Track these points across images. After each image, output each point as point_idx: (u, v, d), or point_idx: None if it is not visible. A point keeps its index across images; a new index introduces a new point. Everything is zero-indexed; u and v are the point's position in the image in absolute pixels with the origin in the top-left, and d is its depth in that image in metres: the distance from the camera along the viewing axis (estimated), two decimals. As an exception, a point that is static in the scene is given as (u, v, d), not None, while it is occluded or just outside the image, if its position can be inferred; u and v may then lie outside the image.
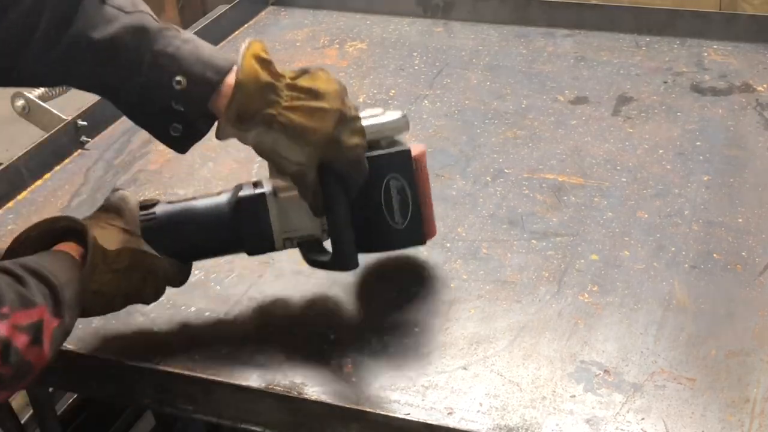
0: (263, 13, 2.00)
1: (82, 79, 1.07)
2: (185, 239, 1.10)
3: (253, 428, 1.07)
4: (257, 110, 1.02)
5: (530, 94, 1.64)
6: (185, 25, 2.63)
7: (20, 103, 1.73)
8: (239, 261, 1.26)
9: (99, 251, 1.00)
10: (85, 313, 1.03)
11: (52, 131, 1.54)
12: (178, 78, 1.02)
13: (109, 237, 1.02)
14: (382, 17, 1.94)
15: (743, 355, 1.07)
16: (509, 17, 1.90)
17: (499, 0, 1.90)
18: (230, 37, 1.89)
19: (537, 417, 1.00)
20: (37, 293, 0.89)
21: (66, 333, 0.95)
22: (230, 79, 1.03)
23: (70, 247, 1.00)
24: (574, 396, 1.03)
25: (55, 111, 1.70)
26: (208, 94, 1.03)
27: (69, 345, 1.13)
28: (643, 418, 0.99)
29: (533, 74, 1.71)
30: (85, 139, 1.56)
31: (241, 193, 1.10)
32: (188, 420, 1.46)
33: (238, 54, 1.03)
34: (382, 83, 1.69)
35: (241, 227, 1.10)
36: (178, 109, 1.04)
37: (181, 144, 1.09)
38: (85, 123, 1.55)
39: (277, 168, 1.09)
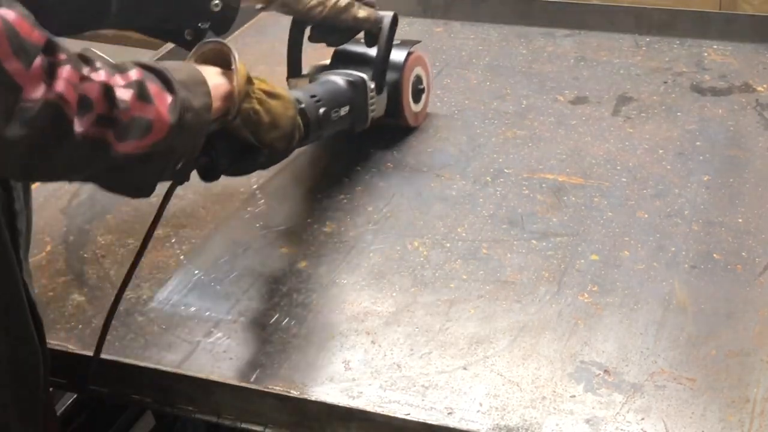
0: (263, 13, 2.00)
1: None
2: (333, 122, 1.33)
3: (253, 428, 1.07)
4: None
5: (530, 94, 1.64)
6: (185, 25, 2.63)
7: None
8: (239, 261, 1.26)
9: (244, 69, 1.06)
10: (262, 138, 1.10)
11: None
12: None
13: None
14: (382, 17, 1.93)
15: (743, 355, 1.07)
16: (509, 17, 1.90)
17: (499, 0, 1.90)
18: (230, 38, 1.89)
19: (537, 417, 1.00)
20: (131, 65, 0.90)
21: (192, 111, 0.93)
22: None
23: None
24: (574, 396, 1.03)
25: None
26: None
27: (69, 345, 1.13)
28: (643, 418, 0.99)
29: (533, 74, 1.71)
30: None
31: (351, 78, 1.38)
32: (188, 420, 1.46)
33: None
34: (382, 83, 1.69)
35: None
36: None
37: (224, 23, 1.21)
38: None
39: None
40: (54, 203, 1.42)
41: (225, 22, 1.22)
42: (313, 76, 1.43)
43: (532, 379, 1.05)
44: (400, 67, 1.48)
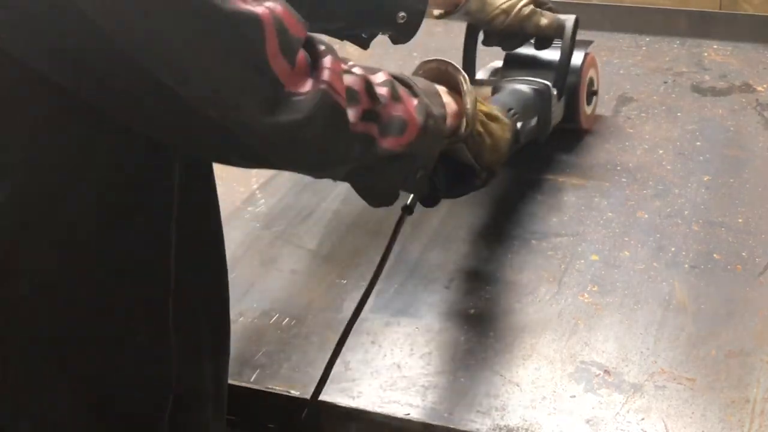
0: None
1: None
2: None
3: (254, 428, 1.07)
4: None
5: (530, 94, 1.64)
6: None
7: None
8: (239, 261, 1.26)
9: (474, 91, 1.04)
10: (483, 161, 1.07)
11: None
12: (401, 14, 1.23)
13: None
14: (382, 17, 1.93)
15: (743, 355, 1.07)
16: (509, 17, 1.89)
17: (499, 0, 1.90)
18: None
19: (537, 417, 1.00)
20: (378, 69, 0.91)
21: (433, 117, 0.93)
22: None
23: None
24: (574, 396, 1.03)
25: None
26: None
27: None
28: (643, 418, 0.99)
29: (533, 74, 1.71)
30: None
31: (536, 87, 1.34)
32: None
33: None
34: (382, 83, 1.69)
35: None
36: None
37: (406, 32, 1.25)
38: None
39: None
40: (54, 203, 1.42)
41: (408, 32, 1.26)
42: (495, 84, 1.39)
43: (532, 379, 1.05)
44: (577, 71, 1.44)
